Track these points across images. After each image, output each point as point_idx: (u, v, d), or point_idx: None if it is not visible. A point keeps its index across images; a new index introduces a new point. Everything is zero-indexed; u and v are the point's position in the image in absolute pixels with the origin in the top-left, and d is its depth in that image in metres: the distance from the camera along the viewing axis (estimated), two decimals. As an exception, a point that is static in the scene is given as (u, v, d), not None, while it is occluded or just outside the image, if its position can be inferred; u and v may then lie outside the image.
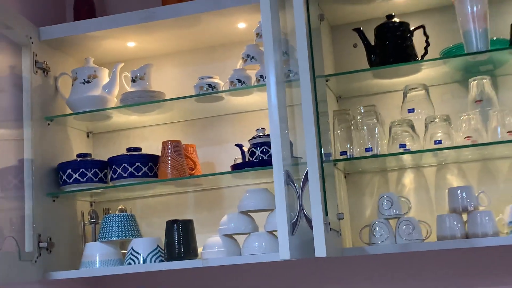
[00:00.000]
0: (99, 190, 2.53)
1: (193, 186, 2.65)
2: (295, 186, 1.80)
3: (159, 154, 2.51)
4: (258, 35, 2.43)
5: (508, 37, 2.24)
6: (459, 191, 2.22)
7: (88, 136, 2.84)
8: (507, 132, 2.18)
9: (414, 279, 2.46)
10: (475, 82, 2.28)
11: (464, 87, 2.41)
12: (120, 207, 2.64)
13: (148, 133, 2.80)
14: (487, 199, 2.24)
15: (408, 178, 2.49)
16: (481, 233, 2.14)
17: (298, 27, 1.85)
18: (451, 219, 2.20)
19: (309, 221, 1.79)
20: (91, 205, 2.77)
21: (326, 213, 1.80)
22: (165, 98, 2.57)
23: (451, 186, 2.38)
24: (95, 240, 2.55)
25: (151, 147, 2.66)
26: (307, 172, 1.78)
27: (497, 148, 2.23)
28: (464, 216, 2.21)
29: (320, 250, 1.72)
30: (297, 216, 1.79)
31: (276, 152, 1.77)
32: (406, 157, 2.31)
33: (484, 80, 2.26)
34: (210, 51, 2.75)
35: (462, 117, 2.26)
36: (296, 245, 1.77)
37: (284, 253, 1.73)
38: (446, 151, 2.22)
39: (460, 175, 2.44)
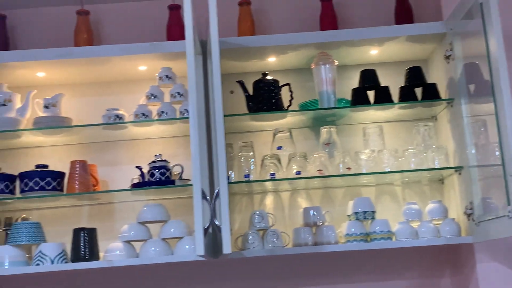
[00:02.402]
0: (9, 201, 2.86)
1: (93, 200, 3.07)
2: (207, 200, 2.37)
3: (63, 171, 2.91)
4: (161, 78, 2.97)
5: (349, 98, 3.04)
6: (311, 210, 2.94)
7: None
8: (347, 168, 2.95)
9: (278, 276, 3.13)
10: (325, 129, 3.04)
11: (313, 132, 3.17)
12: (22, 216, 2.97)
13: (47, 152, 3.15)
14: (330, 217, 2.99)
15: (269, 200, 3.18)
16: (326, 241, 2.88)
17: (215, 80, 2.46)
18: (305, 231, 2.90)
19: (218, 228, 2.38)
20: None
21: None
22: (72, 123, 2.99)
23: (301, 207, 3.09)
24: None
25: (50, 165, 3.02)
26: (218, 190, 2.38)
27: (337, 179, 3.00)
28: (314, 229, 2.94)
29: (227, 248, 2.32)
30: (209, 224, 2.37)
31: (195, 174, 2.33)
32: (269, 183, 2.99)
33: (332, 129, 3.03)
34: (112, 85, 3.22)
35: (315, 155, 2.99)
36: (206, 245, 2.34)
37: (199, 250, 2.28)
38: (299, 180, 2.93)
39: (308, 198, 3.18)
